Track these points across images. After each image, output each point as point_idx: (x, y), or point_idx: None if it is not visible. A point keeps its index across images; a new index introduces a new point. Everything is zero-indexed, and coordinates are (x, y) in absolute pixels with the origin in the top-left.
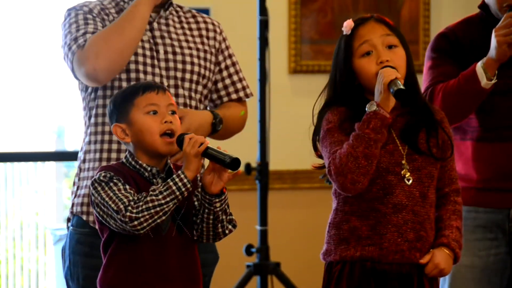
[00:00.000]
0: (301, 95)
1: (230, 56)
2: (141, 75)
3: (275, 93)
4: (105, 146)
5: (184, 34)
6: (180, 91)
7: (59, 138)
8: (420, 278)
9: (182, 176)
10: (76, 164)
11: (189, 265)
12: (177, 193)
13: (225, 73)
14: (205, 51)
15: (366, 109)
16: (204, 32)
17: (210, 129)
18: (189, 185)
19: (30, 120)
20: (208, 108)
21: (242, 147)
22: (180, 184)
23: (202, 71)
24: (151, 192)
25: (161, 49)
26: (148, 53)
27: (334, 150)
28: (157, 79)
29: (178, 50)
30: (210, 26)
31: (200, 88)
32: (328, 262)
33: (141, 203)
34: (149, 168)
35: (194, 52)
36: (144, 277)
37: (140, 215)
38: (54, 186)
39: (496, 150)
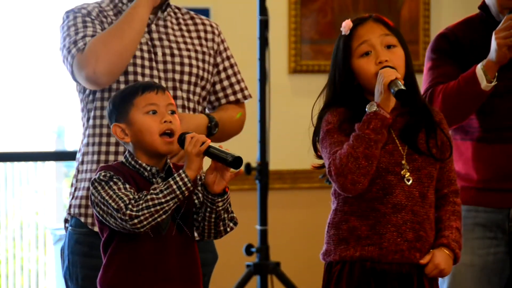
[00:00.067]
0: (301, 95)
1: (228, 57)
2: (139, 77)
3: (275, 93)
4: (103, 148)
5: (182, 36)
6: (178, 93)
7: (59, 138)
8: (420, 278)
9: (183, 175)
10: (75, 165)
11: (189, 264)
12: (178, 192)
13: (223, 75)
14: (203, 53)
15: (366, 109)
16: (202, 34)
17: (206, 132)
18: (189, 185)
19: (30, 120)
20: (206, 110)
21: (242, 147)
22: (180, 183)
23: (201, 73)
24: (151, 191)
25: (159, 51)
26: (146, 55)
27: (334, 150)
28: (155, 81)
29: (176, 52)
30: (209, 28)
31: (198, 89)
32: (327, 262)
33: (141, 202)
34: (148, 168)
35: (193, 54)
36: (144, 276)
37: (140, 213)
38: (54, 186)
39: (496, 151)
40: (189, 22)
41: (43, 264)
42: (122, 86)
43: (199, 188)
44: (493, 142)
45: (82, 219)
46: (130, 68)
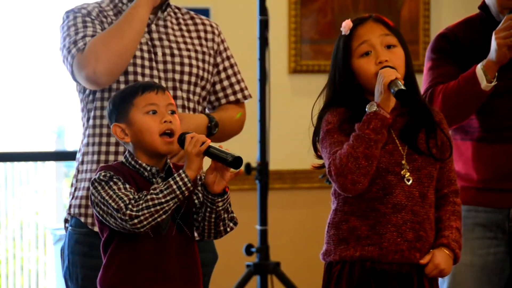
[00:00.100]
0: (301, 95)
1: (228, 57)
2: (139, 77)
3: (275, 93)
4: (103, 148)
5: (182, 36)
6: (178, 93)
7: (59, 138)
8: (420, 278)
9: (183, 175)
10: (75, 165)
11: (189, 264)
12: (178, 192)
13: (223, 75)
14: (203, 53)
15: (366, 109)
16: (202, 34)
17: (206, 132)
18: (189, 185)
19: (30, 120)
20: (206, 110)
21: (242, 147)
22: (180, 183)
23: (201, 72)
24: (151, 191)
25: (159, 51)
26: (146, 55)
27: (334, 150)
28: (155, 81)
29: (176, 52)
30: (209, 28)
31: (198, 89)
32: (327, 262)
33: (141, 202)
34: (148, 168)
35: (192, 54)
36: (144, 276)
37: (140, 213)
38: (54, 186)
39: (496, 151)
40: (189, 22)
41: (43, 264)
42: (122, 86)
43: (199, 188)
44: (493, 142)
45: (82, 219)
46: (130, 68)
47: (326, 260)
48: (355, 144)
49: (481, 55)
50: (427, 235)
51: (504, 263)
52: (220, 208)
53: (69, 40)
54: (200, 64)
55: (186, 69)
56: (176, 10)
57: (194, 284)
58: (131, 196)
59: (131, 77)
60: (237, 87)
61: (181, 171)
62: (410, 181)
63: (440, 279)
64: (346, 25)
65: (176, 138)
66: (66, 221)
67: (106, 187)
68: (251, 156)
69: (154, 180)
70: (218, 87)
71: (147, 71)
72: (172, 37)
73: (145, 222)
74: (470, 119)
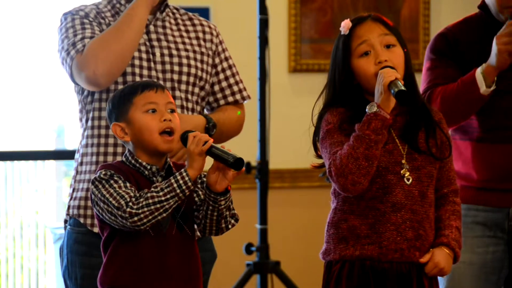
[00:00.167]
0: (301, 94)
1: (226, 58)
2: (137, 78)
3: (275, 92)
4: (101, 149)
5: (181, 36)
6: (177, 93)
7: (59, 137)
8: (419, 277)
9: (184, 174)
10: (73, 165)
11: (189, 262)
12: (178, 190)
13: (221, 76)
14: (201, 53)
15: (367, 110)
16: (200, 35)
17: (204, 133)
18: (190, 183)
19: (30, 119)
20: (205, 110)
21: (242, 146)
22: (181, 182)
23: (199, 73)
24: (152, 189)
25: (157, 51)
26: (144, 56)
27: (334, 151)
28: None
29: (174, 52)
30: (207, 29)
31: (197, 90)
32: (327, 261)
33: (142, 199)
34: (149, 167)
35: (191, 54)
36: (145, 275)
37: (140, 211)
38: (54, 185)
39: (495, 151)
40: (188, 22)
41: (43, 263)
42: (120, 87)
43: (199, 185)
44: (492, 142)
45: (81, 220)
46: (129, 69)
47: (326, 259)
48: (355, 145)
49: (480, 55)
50: (427, 234)
51: (503, 262)
52: (223, 206)
53: (68, 42)
54: (199, 64)
55: (185, 69)
56: (175, 11)
57: (194, 282)
58: (132, 194)
59: (129, 78)
60: (235, 88)
61: (182, 170)
62: (410, 180)
63: (439, 277)
64: (345, 25)
65: (176, 136)
66: (65, 221)
67: (107, 185)
68: (251, 155)
69: (154, 179)
70: (216, 88)
71: (145, 72)
72: (170, 38)
73: (145, 220)
74: (469, 119)
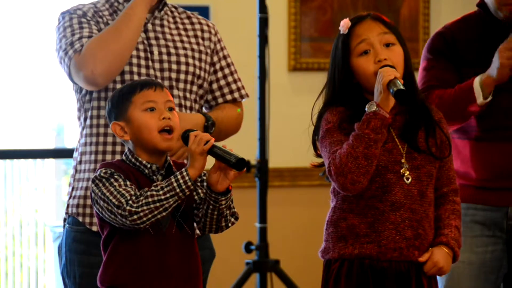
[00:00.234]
0: (300, 92)
1: (225, 57)
2: (135, 77)
3: (275, 91)
4: (100, 148)
5: (179, 34)
6: (175, 92)
7: (59, 136)
8: (418, 276)
9: (184, 173)
10: (72, 164)
11: (189, 261)
12: (178, 190)
13: (220, 74)
14: (200, 52)
15: (366, 109)
16: (199, 33)
17: (203, 131)
18: (190, 183)
19: (30, 117)
20: (203, 109)
21: (242, 144)
22: (181, 181)
23: (197, 71)
24: (152, 188)
25: (155, 50)
26: (142, 54)
27: (333, 150)
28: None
29: (172, 50)
30: (205, 27)
31: (195, 88)
32: (326, 260)
33: (141, 198)
34: (149, 165)
35: (189, 53)
36: (145, 273)
37: (140, 209)
38: (54, 183)
39: (494, 150)
40: (186, 21)
41: (42, 262)
42: (118, 86)
43: (199, 184)
44: (491, 141)
45: (80, 219)
46: (127, 68)
47: (325, 257)
48: (354, 144)
49: (479, 54)
50: (426, 233)
51: (501, 261)
52: (223, 206)
53: (66, 41)
54: (197, 62)
55: (183, 67)
56: (173, 9)
57: (194, 281)
58: (132, 192)
59: (127, 77)
60: (233, 86)
61: (183, 169)
62: (410, 180)
63: (438, 277)
64: (344, 24)
65: (175, 134)
66: (64, 220)
67: (107, 184)
68: (250, 154)
69: (154, 177)
70: (214, 86)
71: (143, 70)
72: (168, 36)
73: (144, 219)
74: None
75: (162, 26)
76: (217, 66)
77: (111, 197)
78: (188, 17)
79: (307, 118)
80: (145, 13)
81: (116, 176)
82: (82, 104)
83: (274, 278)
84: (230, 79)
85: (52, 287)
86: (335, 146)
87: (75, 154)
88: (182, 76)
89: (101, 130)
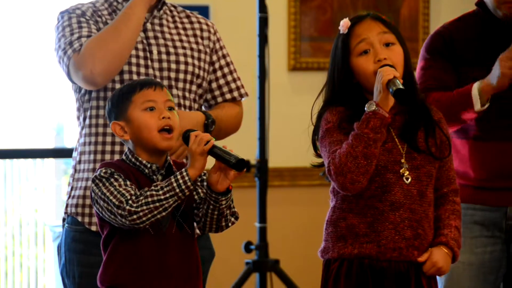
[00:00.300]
0: (300, 92)
1: (224, 56)
2: (134, 76)
3: (275, 91)
4: (99, 147)
5: (178, 34)
6: (174, 91)
7: (58, 135)
8: (418, 276)
9: (184, 173)
10: (72, 163)
11: (189, 261)
12: (177, 190)
13: (219, 73)
14: (199, 51)
15: (365, 108)
16: (198, 32)
17: (203, 130)
18: (190, 183)
19: (29, 117)
20: (203, 108)
21: (242, 144)
22: (181, 181)
23: (196, 70)
24: (152, 187)
25: (154, 49)
26: (141, 54)
27: (333, 149)
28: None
29: (171, 50)
30: (204, 26)
31: (194, 87)
32: (326, 260)
33: (141, 198)
34: (149, 165)
35: (188, 52)
36: (145, 273)
37: (139, 209)
38: (53, 183)
39: (492, 149)
40: (185, 20)
41: (42, 261)
42: (117, 85)
43: (199, 183)
44: (489, 140)
45: (79, 219)
46: (125, 67)
47: (324, 257)
48: (354, 143)
49: (478, 53)
50: (425, 233)
51: (501, 261)
52: (223, 206)
53: (65, 41)
54: (196, 62)
55: (182, 67)
56: (172, 8)
57: (194, 281)
58: (132, 192)
59: (126, 76)
60: (233, 85)
61: (183, 169)
62: (409, 180)
63: (438, 277)
64: (344, 24)
65: (175, 134)
66: (63, 220)
67: (107, 184)
68: (250, 154)
69: (154, 177)
70: (214, 85)
71: (142, 70)
72: (167, 35)
73: (144, 218)
74: None
75: (161, 25)
76: (216, 65)
77: (111, 197)
78: (187, 16)
79: (307, 118)
80: (144, 13)
81: (116, 176)
82: (81, 104)
83: (274, 278)
84: (229, 78)
85: (52, 287)
86: (334, 146)
87: (74, 154)
88: (181, 76)
89: (100, 129)
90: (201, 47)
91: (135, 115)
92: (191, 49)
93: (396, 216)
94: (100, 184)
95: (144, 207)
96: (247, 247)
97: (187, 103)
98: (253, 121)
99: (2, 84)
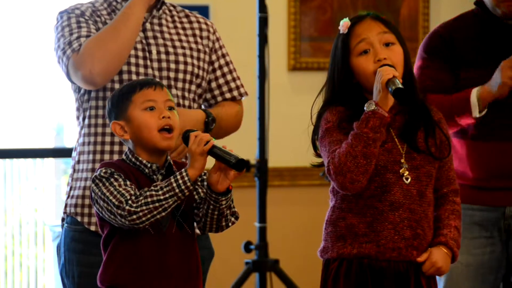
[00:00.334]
0: (300, 92)
1: (223, 55)
2: (133, 76)
3: (274, 90)
4: (98, 147)
5: (177, 33)
6: (173, 91)
7: (58, 135)
8: (417, 276)
9: (184, 174)
10: (71, 163)
11: (189, 261)
12: (177, 190)
13: (218, 73)
14: (198, 51)
15: (365, 108)
16: (197, 32)
17: (203, 127)
18: (189, 184)
19: (29, 116)
20: (202, 107)
21: (241, 144)
22: (181, 181)
23: (196, 70)
24: (152, 187)
25: (153, 49)
26: (140, 54)
27: (333, 149)
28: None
29: (171, 50)
30: (204, 26)
31: (193, 87)
32: (325, 259)
33: (141, 198)
34: (149, 165)
35: (188, 52)
36: (145, 273)
37: (139, 209)
38: (53, 182)
39: (490, 149)
40: (184, 20)
41: (42, 261)
42: (117, 85)
43: (199, 183)
44: (487, 140)
45: (79, 218)
46: (125, 67)
47: (324, 257)
48: (353, 143)
49: (477, 52)
50: (425, 234)
51: (500, 261)
52: (224, 206)
53: (64, 41)
54: (195, 61)
55: (181, 67)
56: (171, 8)
57: (194, 280)
58: (132, 192)
59: (125, 76)
60: (233, 85)
61: (183, 170)
62: (409, 180)
63: (437, 277)
64: (344, 24)
65: (175, 133)
66: (62, 219)
67: (107, 184)
68: (250, 153)
69: (154, 177)
70: (213, 84)
71: (141, 70)
72: (167, 35)
73: (144, 218)
74: None
75: (160, 25)
76: (216, 65)
77: (111, 197)
78: (186, 16)
79: (307, 118)
80: (143, 12)
81: (116, 176)
82: (80, 104)
83: (274, 277)
84: (229, 77)
85: (51, 287)
86: (334, 146)
87: (74, 154)
88: (180, 75)
89: (99, 129)
90: (200, 47)
91: (135, 115)
92: (190, 48)
93: (395, 216)
94: (100, 184)
95: (144, 207)
96: (247, 247)
97: (187, 102)
98: (253, 121)
99: (2, 84)
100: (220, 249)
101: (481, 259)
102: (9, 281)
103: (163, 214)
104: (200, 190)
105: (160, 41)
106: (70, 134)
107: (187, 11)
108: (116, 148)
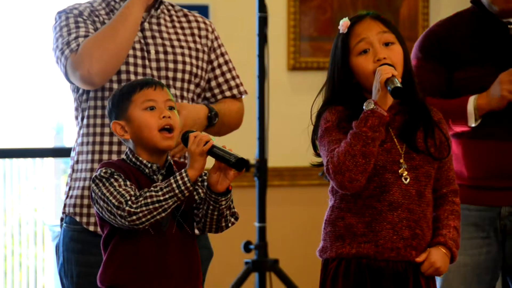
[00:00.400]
0: (300, 92)
1: (222, 54)
2: (132, 76)
3: (274, 90)
4: (97, 147)
5: (176, 33)
6: (172, 90)
7: (58, 135)
8: (416, 276)
9: (183, 174)
10: (70, 163)
11: (189, 261)
12: (177, 191)
13: (218, 71)
14: (197, 50)
15: (364, 107)
16: (196, 31)
17: (206, 122)
18: (189, 184)
19: (29, 116)
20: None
21: (241, 143)
22: (180, 182)
23: (194, 69)
24: (152, 188)
25: (152, 49)
26: (139, 53)
27: (332, 148)
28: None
29: (169, 49)
30: (202, 25)
31: (192, 87)
32: (324, 259)
33: (141, 198)
34: (149, 165)
35: (186, 51)
36: (145, 273)
37: (138, 210)
38: (53, 182)
39: (487, 149)
40: (183, 19)
41: (41, 261)
42: (115, 85)
43: (199, 184)
44: (483, 139)
45: (77, 218)
46: (123, 67)
47: (323, 257)
48: (352, 142)
49: (473, 50)
50: (424, 234)
51: (496, 262)
52: (223, 206)
53: (62, 41)
54: (194, 61)
55: (180, 66)
56: (170, 8)
57: (194, 281)
58: (132, 193)
59: (124, 76)
60: (232, 83)
61: (183, 170)
62: (408, 180)
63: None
64: (343, 24)
65: (175, 133)
66: (61, 219)
67: (107, 184)
68: (250, 153)
69: (155, 177)
70: (213, 83)
71: (140, 70)
72: (165, 35)
73: (143, 219)
74: None
75: (158, 25)
76: (215, 64)
77: (110, 197)
78: (185, 15)
79: (307, 118)
80: (141, 12)
81: (116, 176)
82: (79, 104)
83: (273, 277)
84: (228, 76)
85: (51, 286)
86: (333, 145)
87: (72, 154)
88: (179, 75)
89: (98, 129)
90: (199, 46)
91: (136, 115)
92: (189, 48)
93: (394, 216)
94: (100, 184)
95: (144, 208)
96: (247, 247)
97: (185, 102)
98: (253, 120)
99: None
100: (220, 249)
101: (477, 259)
102: (8, 281)
103: (163, 214)
104: (200, 190)
105: (159, 40)
106: (70, 134)
107: (185, 10)
108: (115, 148)
